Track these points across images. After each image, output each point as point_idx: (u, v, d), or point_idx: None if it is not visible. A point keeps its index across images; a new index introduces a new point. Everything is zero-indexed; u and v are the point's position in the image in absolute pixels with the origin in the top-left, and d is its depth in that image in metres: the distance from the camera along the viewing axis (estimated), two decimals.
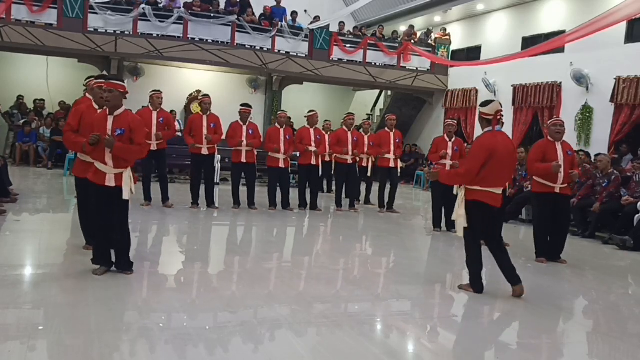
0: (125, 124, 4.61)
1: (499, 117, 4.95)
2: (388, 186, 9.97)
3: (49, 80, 15.08)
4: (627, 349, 3.96)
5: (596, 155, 9.23)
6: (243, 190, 9.01)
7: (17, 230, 6.39)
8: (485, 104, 5.02)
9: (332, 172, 10.11)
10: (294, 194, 9.54)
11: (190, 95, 15.15)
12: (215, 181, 9.85)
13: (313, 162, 9.26)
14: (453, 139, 8.28)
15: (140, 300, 4.27)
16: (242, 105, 8.95)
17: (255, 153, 8.89)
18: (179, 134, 11.31)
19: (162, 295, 4.45)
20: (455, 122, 8.68)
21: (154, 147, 8.13)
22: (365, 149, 10.06)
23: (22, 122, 13.47)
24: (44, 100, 14.74)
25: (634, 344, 4.05)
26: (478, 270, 4.98)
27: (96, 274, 4.62)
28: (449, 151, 8.13)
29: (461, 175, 4.98)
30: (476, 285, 4.97)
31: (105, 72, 6.03)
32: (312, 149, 9.15)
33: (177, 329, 3.68)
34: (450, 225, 8.22)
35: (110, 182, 4.59)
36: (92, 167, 4.64)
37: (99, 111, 4.95)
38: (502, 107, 5.03)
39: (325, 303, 4.49)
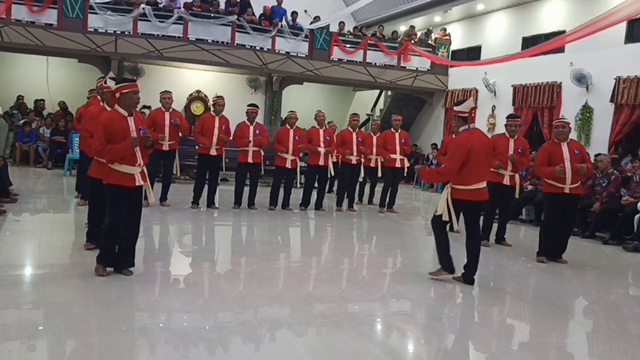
0: (142, 122, 4.80)
1: (473, 114, 5.13)
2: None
3: (49, 80, 15.07)
4: (627, 349, 3.96)
5: (596, 155, 9.23)
6: (245, 190, 8.99)
7: (17, 230, 6.40)
8: (460, 102, 5.18)
9: (337, 172, 10.08)
10: (295, 194, 9.53)
11: (190, 95, 15.16)
12: (216, 181, 9.83)
13: (321, 162, 9.25)
14: None
15: (141, 300, 4.27)
16: (249, 105, 8.95)
17: (262, 153, 8.89)
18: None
19: (162, 295, 4.45)
20: None
21: (165, 147, 8.14)
22: (374, 150, 10.01)
23: (22, 122, 13.47)
24: (43, 100, 14.76)
25: (634, 344, 4.05)
26: (447, 252, 5.25)
27: (102, 274, 4.60)
28: None
29: (442, 174, 5.17)
30: (448, 266, 5.24)
31: (113, 74, 6.05)
32: (321, 149, 9.14)
33: (177, 329, 3.68)
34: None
35: (139, 181, 4.69)
36: (115, 173, 4.59)
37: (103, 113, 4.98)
38: (475, 104, 5.20)
39: (325, 303, 4.49)
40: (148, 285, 4.67)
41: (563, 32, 11.30)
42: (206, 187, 8.79)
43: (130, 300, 4.23)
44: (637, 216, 7.82)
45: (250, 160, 8.70)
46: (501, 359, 3.61)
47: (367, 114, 18.10)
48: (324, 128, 9.34)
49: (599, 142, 11.06)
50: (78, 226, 6.49)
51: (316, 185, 9.58)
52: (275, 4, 15.40)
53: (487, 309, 4.78)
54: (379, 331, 4.05)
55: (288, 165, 8.95)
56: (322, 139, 9.20)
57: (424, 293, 5.18)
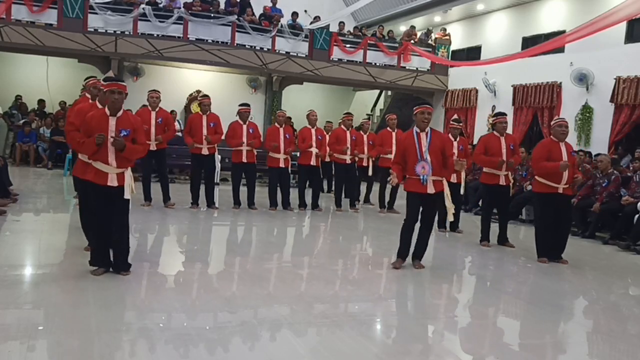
0: (129, 125, 4.70)
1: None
2: (389, 186, 9.95)
3: (49, 80, 15.08)
4: (627, 349, 3.96)
5: (596, 155, 9.23)
6: (243, 190, 9.01)
7: (17, 230, 6.39)
8: (424, 104, 5.84)
9: (332, 172, 10.10)
10: (294, 194, 9.53)
11: (190, 95, 15.15)
12: (215, 181, 9.84)
13: (313, 162, 9.25)
14: (458, 139, 8.27)
15: (140, 301, 4.27)
16: (240, 105, 8.95)
17: (255, 153, 8.89)
18: (179, 134, 11.31)
19: (162, 295, 4.45)
20: (462, 124, 8.61)
21: (153, 147, 8.12)
22: (365, 149, 10.02)
23: (22, 122, 13.48)
24: (44, 100, 14.77)
25: (634, 344, 4.05)
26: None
27: (95, 274, 4.62)
28: (454, 150, 8.10)
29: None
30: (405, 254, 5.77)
31: (112, 73, 6.10)
32: (313, 150, 9.15)
33: (177, 329, 3.68)
34: (455, 226, 8.23)
35: (112, 181, 4.61)
36: (91, 168, 4.62)
37: (92, 109, 4.96)
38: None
39: (325, 303, 4.49)
40: (148, 285, 4.67)
41: (563, 32, 11.30)
42: (203, 187, 8.78)
43: (130, 301, 4.22)
44: (637, 216, 7.82)
45: (244, 160, 8.71)
46: (501, 359, 3.61)
47: (367, 114, 18.09)
48: (315, 127, 9.35)
49: (599, 142, 11.06)
50: (78, 226, 6.44)
51: (309, 186, 9.58)
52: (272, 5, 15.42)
53: (487, 309, 4.78)
54: (379, 331, 4.05)
55: (281, 164, 8.95)
56: (314, 138, 9.21)
57: (424, 293, 5.18)
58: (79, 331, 3.49)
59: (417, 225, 5.74)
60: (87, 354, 3.17)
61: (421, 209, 5.66)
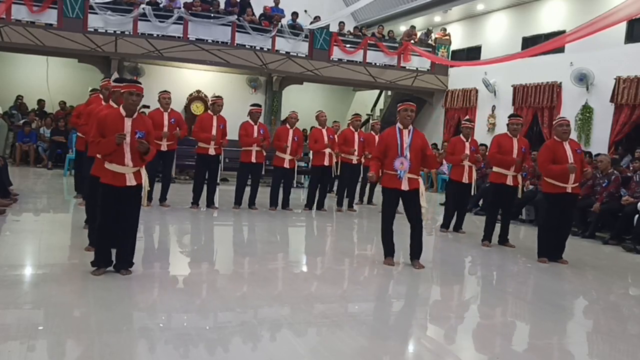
0: (144, 127, 4.73)
1: None
2: None
3: (49, 80, 15.09)
4: (627, 349, 3.96)
5: (596, 155, 9.23)
6: (245, 190, 8.99)
7: (17, 230, 6.39)
8: (406, 101, 5.79)
9: (338, 172, 10.08)
10: (295, 194, 9.52)
11: (190, 95, 15.16)
12: (216, 181, 9.83)
13: (326, 163, 9.26)
14: (470, 139, 8.20)
15: (141, 300, 4.27)
16: (252, 105, 8.95)
17: (264, 153, 8.90)
18: None
19: (162, 295, 4.45)
20: (474, 123, 8.60)
21: (164, 148, 8.14)
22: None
23: (22, 122, 13.48)
24: (44, 100, 14.78)
25: (634, 344, 4.05)
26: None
27: (95, 274, 4.62)
28: (467, 151, 8.04)
29: None
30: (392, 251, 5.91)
31: (116, 74, 6.15)
32: (326, 150, 9.17)
33: (177, 329, 3.68)
34: (459, 226, 8.22)
35: (130, 181, 4.66)
36: (107, 171, 4.62)
37: (105, 110, 4.96)
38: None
39: (325, 303, 4.49)
40: (148, 285, 4.67)
41: (563, 32, 11.30)
42: (205, 187, 8.78)
43: (130, 301, 4.22)
44: (637, 216, 7.82)
45: (253, 160, 8.71)
46: (502, 359, 3.61)
47: (367, 114, 18.09)
48: (325, 128, 9.36)
49: (599, 142, 11.06)
50: (78, 226, 6.50)
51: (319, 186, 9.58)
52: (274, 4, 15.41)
53: (487, 309, 4.78)
54: (379, 331, 4.05)
55: (286, 165, 8.94)
56: (326, 139, 9.21)
57: (424, 293, 5.19)
58: (79, 331, 3.49)
59: (410, 225, 5.78)
60: (87, 354, 3.17)
61: (405, 207, 5.73)
